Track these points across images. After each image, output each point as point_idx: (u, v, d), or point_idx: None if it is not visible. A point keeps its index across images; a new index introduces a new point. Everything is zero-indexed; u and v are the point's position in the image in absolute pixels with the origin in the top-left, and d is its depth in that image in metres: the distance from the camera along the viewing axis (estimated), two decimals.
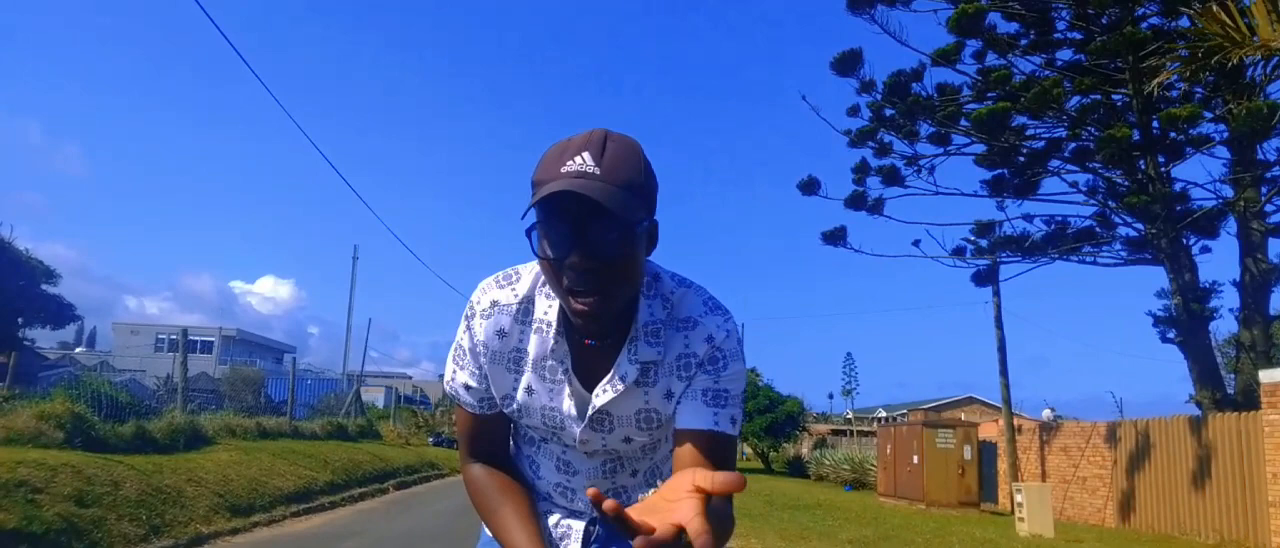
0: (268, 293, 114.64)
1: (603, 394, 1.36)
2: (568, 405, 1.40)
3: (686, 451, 1.32)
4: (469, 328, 1.40)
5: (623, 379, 1.35)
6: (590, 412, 1.39)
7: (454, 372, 1.44)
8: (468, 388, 1.43)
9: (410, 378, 67.15)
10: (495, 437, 1.50)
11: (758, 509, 15.09)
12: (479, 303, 1.40)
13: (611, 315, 1.26)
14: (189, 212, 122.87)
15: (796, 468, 33.04)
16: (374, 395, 39.18)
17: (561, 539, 1.57)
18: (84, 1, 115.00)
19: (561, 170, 1.18)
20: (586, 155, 1.19)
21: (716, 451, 1.32)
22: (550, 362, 1.38)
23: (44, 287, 22.23)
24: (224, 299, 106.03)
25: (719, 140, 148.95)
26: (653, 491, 1.01)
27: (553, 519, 1.59)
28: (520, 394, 1.42)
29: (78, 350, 45.52)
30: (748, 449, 35.74)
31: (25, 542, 6.37)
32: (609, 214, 1.16)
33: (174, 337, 33.59)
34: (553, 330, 1.35)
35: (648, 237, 1.28)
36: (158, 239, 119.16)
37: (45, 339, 33.29)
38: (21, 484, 7.05)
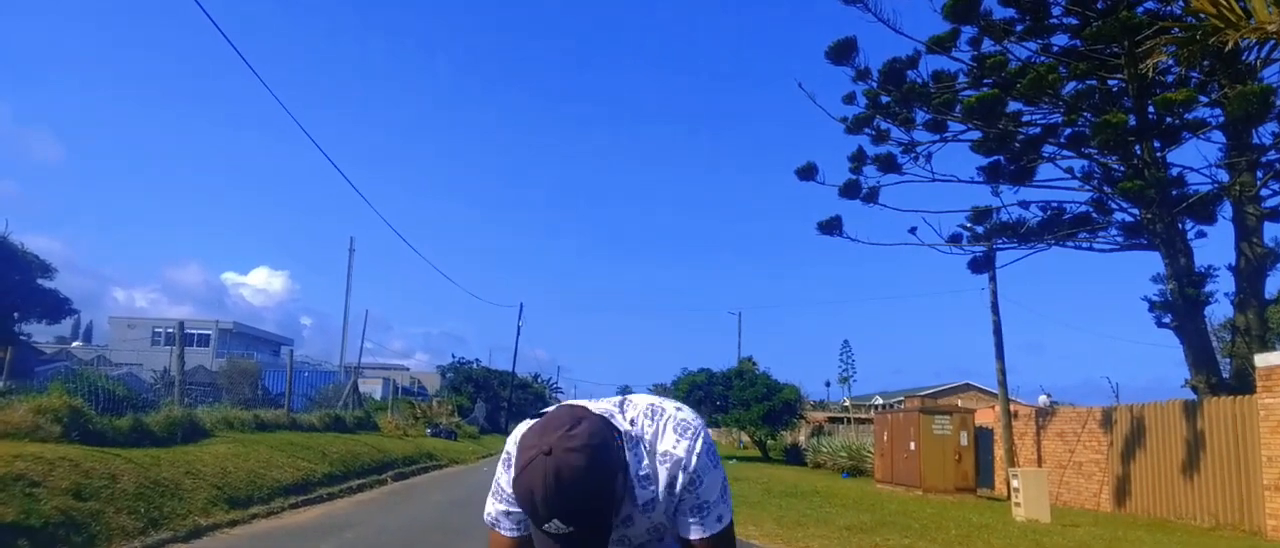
0: (261, 284, 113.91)
1: (616, 530, 1.62)
2: None
3: None
4: (509, 469, 1.59)
5: (629, 523, 1.64)
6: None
7: (494, 504, 1.68)
8: (507, 514, 1.66)
9: (407, 369, 67.22)
10: None
11: (755, 497, 15.15)
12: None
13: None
14: (179, 203, 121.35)
15: (794, 456, 33.14)
16: (371, 387, 39.13)
17: None
18: None
19: (544, 530, 1.33)
20: (557, 522, 1.31)
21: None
22: None
23: (40, 281, 22.14)
24: (216, 291, 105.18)
25: (710, 123, 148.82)
26: None
27: None
28: None
29: (74, 345, 45.49)
30: (745, 437, 35.85)
31: (24, 535, 6.38)
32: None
33: (171, 330, 33.59)
34: None
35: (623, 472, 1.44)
36: (147, 230, 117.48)
37: (41, 334, 33.24)
38: (19, 478, 7.05)
